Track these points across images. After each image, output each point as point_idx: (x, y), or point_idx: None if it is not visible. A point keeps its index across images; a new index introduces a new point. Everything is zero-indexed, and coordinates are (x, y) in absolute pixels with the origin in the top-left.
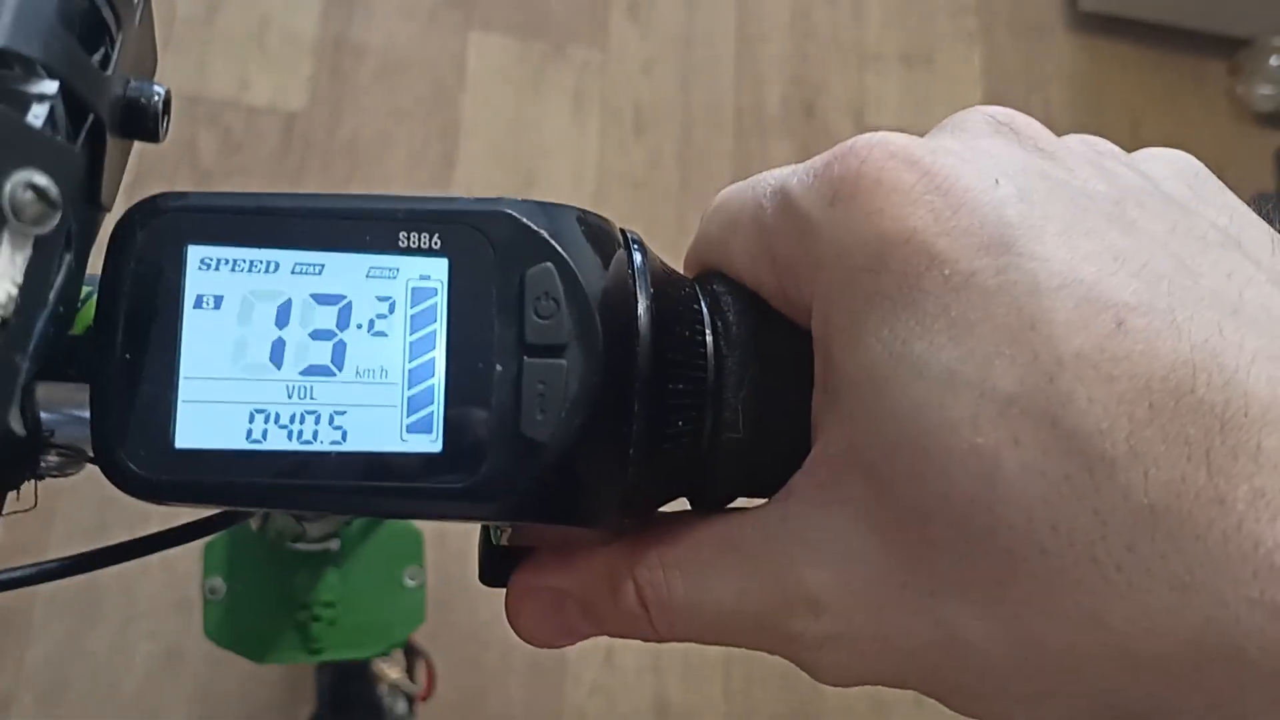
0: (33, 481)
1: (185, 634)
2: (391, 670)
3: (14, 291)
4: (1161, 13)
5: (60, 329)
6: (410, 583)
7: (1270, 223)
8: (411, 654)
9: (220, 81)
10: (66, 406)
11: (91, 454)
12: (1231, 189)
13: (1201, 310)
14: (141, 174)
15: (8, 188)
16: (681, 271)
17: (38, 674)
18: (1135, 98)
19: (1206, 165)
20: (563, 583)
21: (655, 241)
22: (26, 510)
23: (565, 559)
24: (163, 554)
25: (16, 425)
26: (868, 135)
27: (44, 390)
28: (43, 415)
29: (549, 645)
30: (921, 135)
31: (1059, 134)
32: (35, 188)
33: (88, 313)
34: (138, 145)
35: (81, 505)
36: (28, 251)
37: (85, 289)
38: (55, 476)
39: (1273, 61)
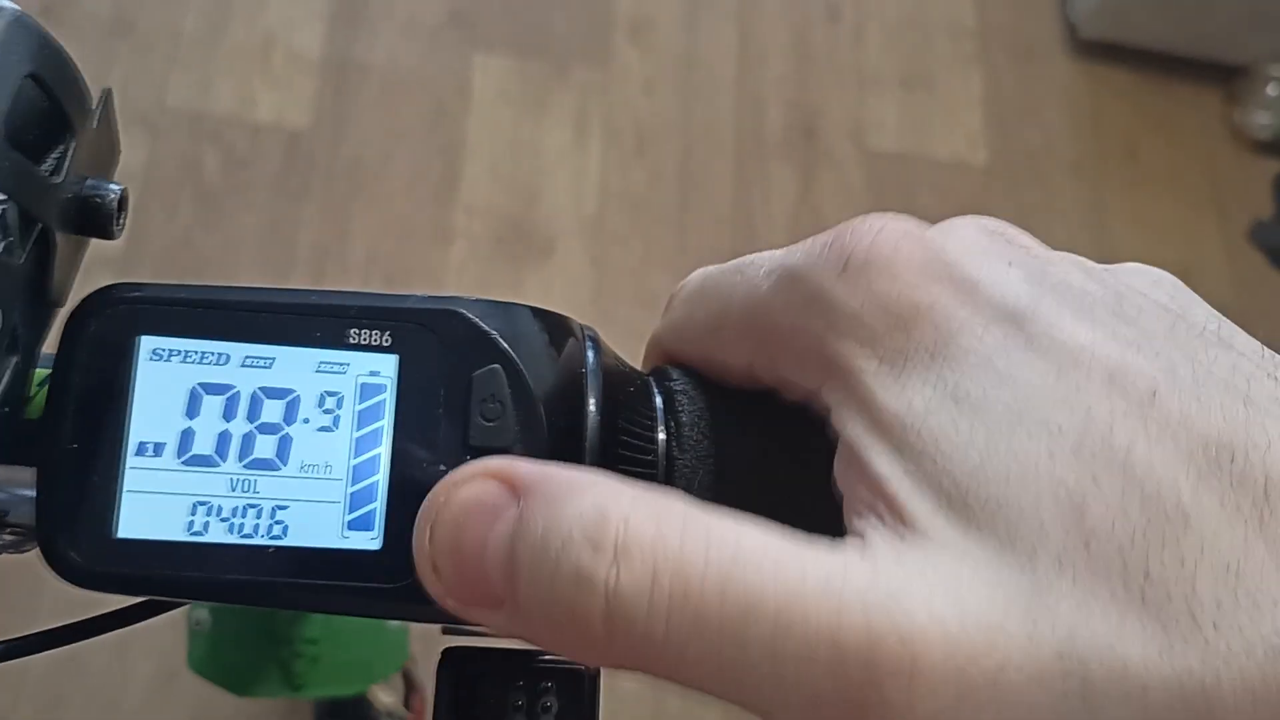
0: None
1: (183, 654)
2: (386, 696)
3: None
4: (1160, 40)
5: (11, 418)
6: (393, 622)
7: (1268, 247)
8: (409, 684)
9: (225, 99)
10: (19, 487)
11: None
12: (1229, 216)
13: (1220, 393)
14: (146, 193)
15: None
16: (646, 351)
17: (36, 691)
18: (1133, 124)
19: (1204, 192)
20: (523, 478)
21: (654, 261)
22: None
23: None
24: None
25: None
26: (872, 215)
27: None
28: None
29: (441, 595)
30: (922, 158)
31: (1060, 157)
32: None
33: (43, 396)
34: (141, 158)
35: None
36: None
37: (41, 371)
38: (9, 553)
39: (1270, 90)
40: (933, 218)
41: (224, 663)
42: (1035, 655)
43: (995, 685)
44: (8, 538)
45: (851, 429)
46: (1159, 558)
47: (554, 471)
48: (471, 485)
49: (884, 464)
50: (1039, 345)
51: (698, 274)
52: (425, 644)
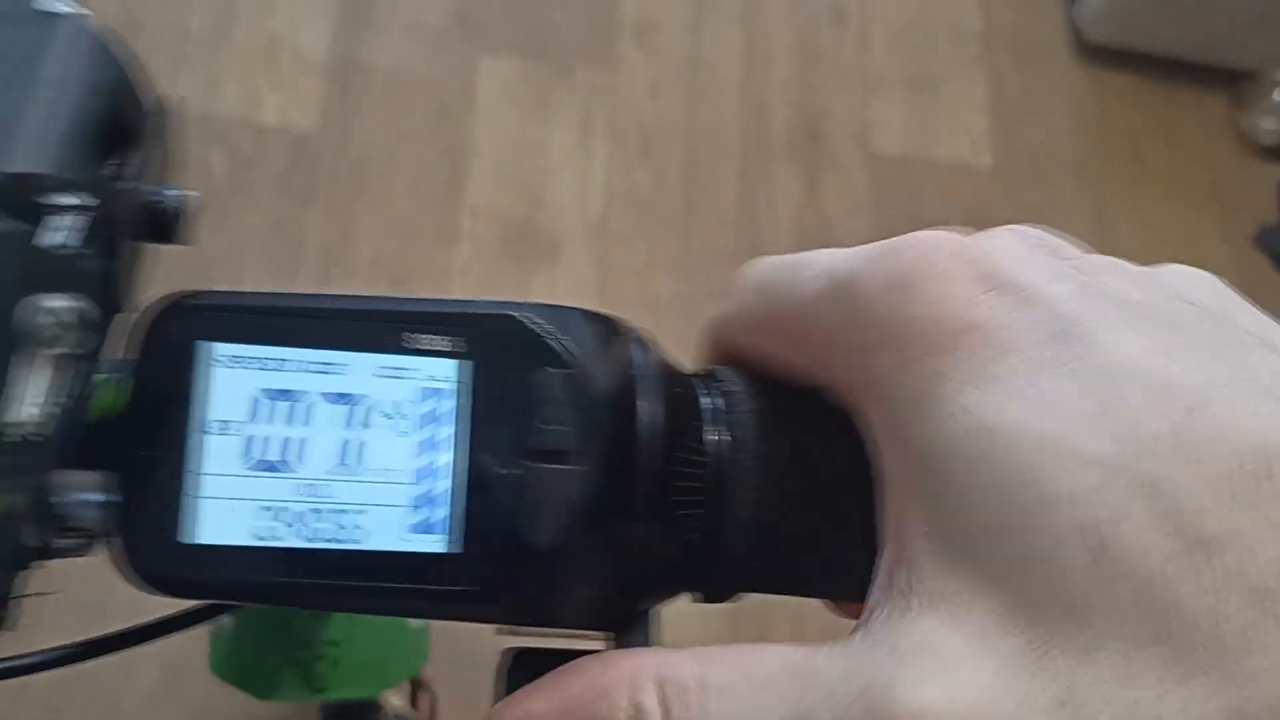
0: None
1: (185, 654)
2: (394, 696)
3: (36, 413)
4: (1166, 45)
5: (77, 422)
6: (415, 622)
7: (1274, 251)
8: (416, 684)
9: (231, 100)
10: (79, 491)
11: (102, 537)
12: (1234, 220)
13: (1262, 401)
14: None
15: (36, 314)
16: (701, 342)
17: (38, 691)
18: (1138, 128)
19: (1209, 196)
20: (560, 695)
21: (658, 262)
22: (53, 593)
23: (560, 673)
24: None
25: (42, 537)
26: (923, 231)
27: (58, 475)
28: (57, 500)
29: None
30: (927, 161)
31: (1066, 161)
32: (52, 311)
33: (101, 400)
34: None
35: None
36: (48, 371)
37: (99, 376)
38: (72, 557)
39: (1275, 95)
40: (937, 220)
41: (246, 666)
42: (1030, 716)
43: None
44: (69, 542)
45: (883, 457)
46: (1184, 591)
47: (567, 691)
48: None
49: (905, 512)
50: (1079, 368)
51: (756, 264)
52: (436, 647)
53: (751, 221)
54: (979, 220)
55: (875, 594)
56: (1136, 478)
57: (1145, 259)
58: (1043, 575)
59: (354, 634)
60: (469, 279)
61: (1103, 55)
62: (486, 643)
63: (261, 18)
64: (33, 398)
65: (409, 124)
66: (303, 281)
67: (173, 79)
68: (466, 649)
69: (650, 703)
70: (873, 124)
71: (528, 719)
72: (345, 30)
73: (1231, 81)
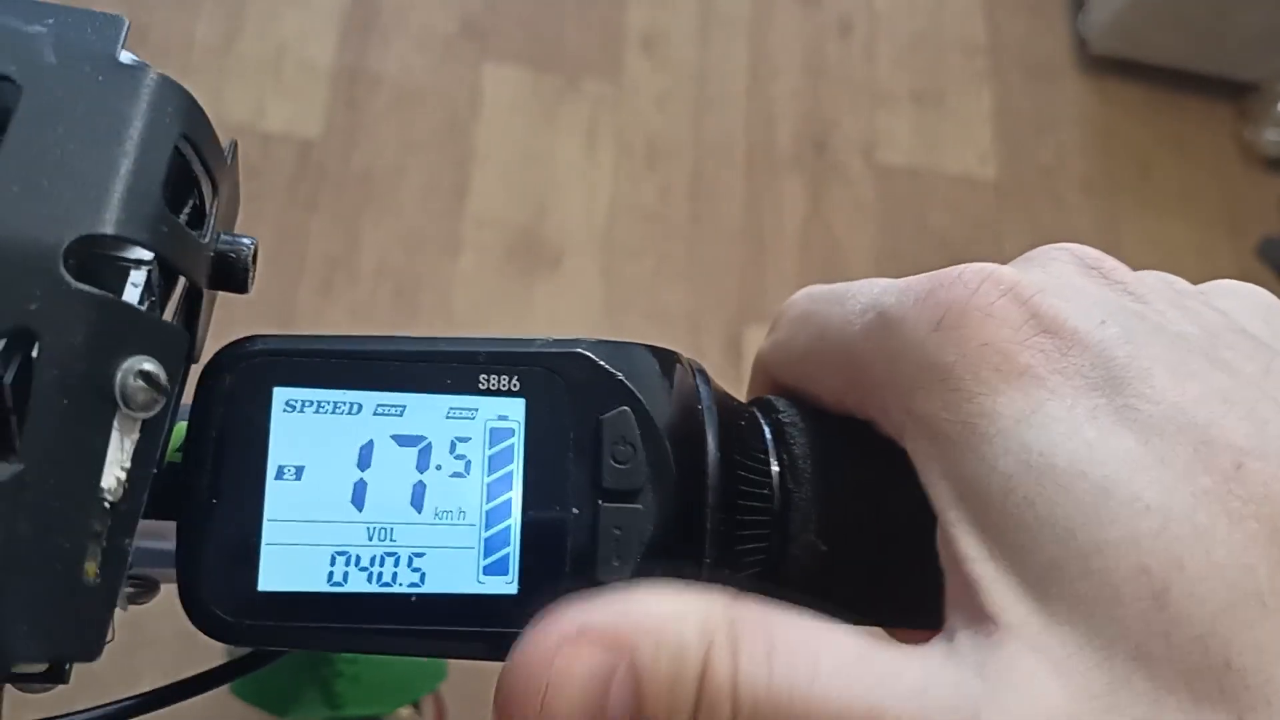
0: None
1: (188, 664)
2: (403, 709)
3: (123, 477)
4: (1172, 57)
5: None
6: None
7: (1277, 264)
8: None
9: (237, 108)
10: (141, 538)
11: (164, 584)
12: (1240, 232)
13: None
14: None
15: (119, 376)
16: (750, 377)
17: (41, 698)
18: (1145, 141)
19: (1215, 208)
20: (626, 609)
21: (664, 274)
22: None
23: (628, 590)
24: (170, 585)
25: (122, 601)
26: (975, 266)
27: None
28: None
29: None
30: (933, 174)
31: (1071, 173)
32: (145, 375)
33: (171, 448)
34: None
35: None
36: (136, 435)
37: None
38: (130, 605)
39: None
40: (943, 233)
41: (265, 685)
42: None
43: None
44: (129, 589)
45: (939, 494)
46: (1238, 645)
47: (639, 609)
48: (570, 661)
49: (967, 542)
50: (1131, 414)
51: (802, 295)
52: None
53: (757, 233)
54: (984, 233)
55: (951, 618)
56: (1191, 529)
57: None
58: (1110, 616)
59: None
60: (473, 289)
61: (1109, 67)
62: None
63: (268, 26)
64: (122, 462)
65: (415, 133)
66: (306, 289)
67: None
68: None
69: (721, 639)
70: (879, 137)
71: (587, 624)
72: (351, 39)
73: (1238, 93)
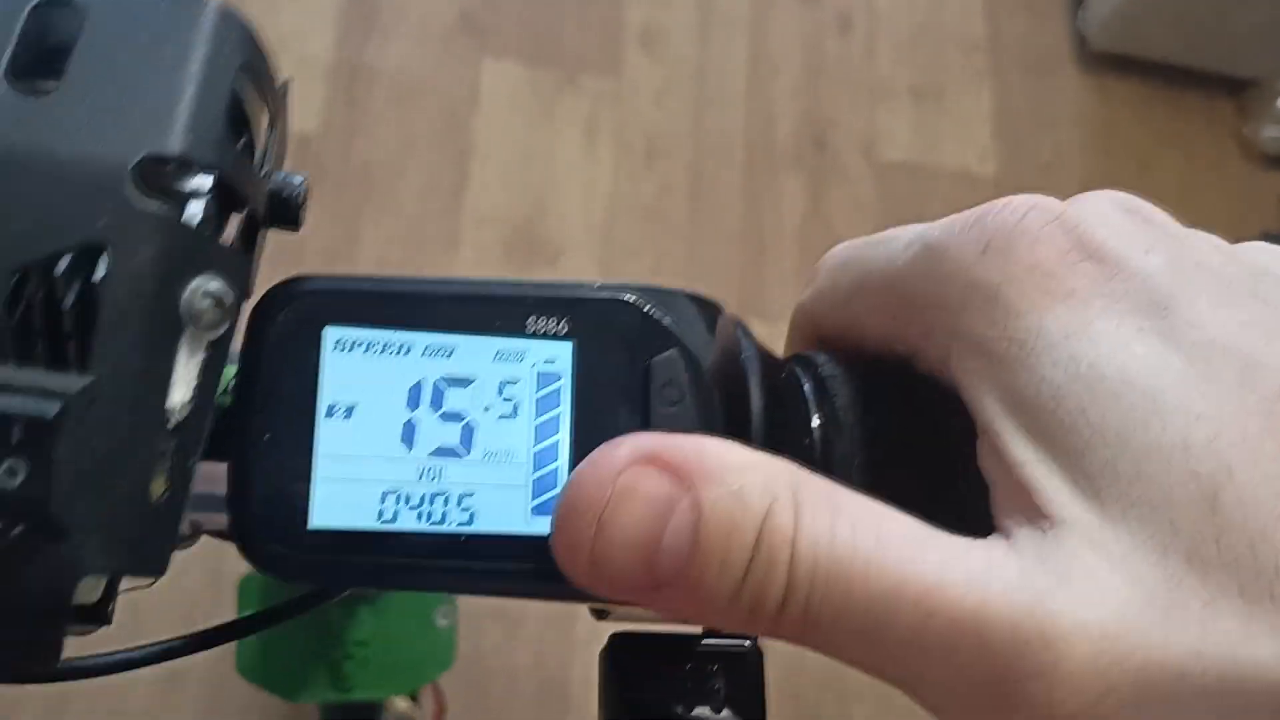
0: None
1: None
2: (400, 699)
3: (189, 396)
4: (1171, 53)
5: None
6: (442, 622)
7: None
8: None
9: None
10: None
11: (208, 530)
12: (1239, 228)
13: None
14: None
15: (186, 294)
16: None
17: (40, 690)
18: (1144, 137)
19: (1214, 205)
20: (693, 452)
21: (662, 271)
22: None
23: (696, 438)
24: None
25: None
26: (1021, 196)
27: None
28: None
29: (609, 579)
30: (933, 171)
31: (1071, 170)
32: (212, 295)
33: (221, 387)
34: None
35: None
36: (202, 355)
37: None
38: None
39: (1279, 103)
40: None
41: (273, 667)
42: (1173, 655)
43: (1136, 686)
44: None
45: (987, 409)
46: None
47: (711, 452)
48: (636, 479)
49: (1020, 448)
50: (1175, 336)
51: (841, 246)
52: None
53: (756, 229)
54: None
55: (1004, 522)
56: (1241, 439)
57: None
58: (1164, 518)
59: (382, 634)
60: None
61: (1108, 64)
62: (488, 641)
63: (266, 20)
64: (188, 381)
65: (413, 129)
66: None
67: None
68: (473, 649)
69: (785, 495)
70: (878, 133)
71: (659, 451)
72: (350, 34)
73: (1237, 89)
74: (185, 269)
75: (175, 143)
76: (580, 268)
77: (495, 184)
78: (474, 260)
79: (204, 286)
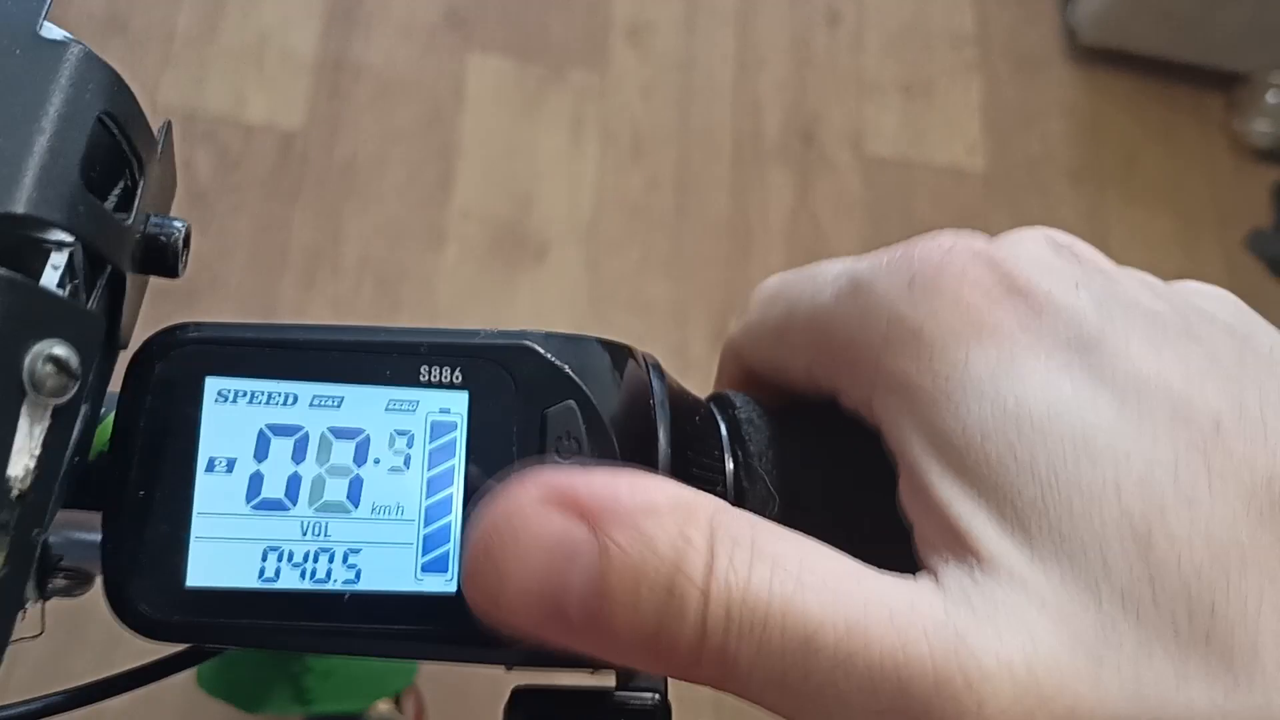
0: (40, 605)
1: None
2: (381, 702)
3: (31, 465)
4: (1160, 47)
5: (75, 463)
6: None
7: (1266, 256)
8: None
9: (218, 98)
10: (75, 530)
11: (98, 576)
12: (1228, 224)
13: None
14: None
15: (27, 361)
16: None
17: (20, 694)
18: (1133, 131)
19: (1203, 200)
20: (609, 491)
21: (649, 266)
22: (34, 637)
23: (612, 473)
24: None
25: (31, 592)
26: (948, 231)
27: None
28: (51, 539)
29: (518, 624)
30: (921, 165)
31: (1060, 164)
32: (55, 360)
33: (102, 435)
34: None
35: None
36: (46, 422)
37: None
38: (62, 598)
39: (1269, 98)
40: (930, 224)
41: (234, 680)
42: (1104, 698)
43: None
44: (61, 582)
45: (912, 449)
46: (1224, 596)
47: (625, 490)
48: (541, 521)
49: (946, 487)
50: (1104, 374)
51: (774, 277)
52: None
53: (744, 224)
54: (972, 225)
55: (930, 558)
56: (1173, 478)
57: (1139, 263)
58: (1095, 558)
59: None
60: (457, 281)
61: (1097, 58)
62: None
63: (250, 16)
64: (30, 450)
65: (398, 124)
66: (289, 282)
67: (159, 77)
68: None
69: (699, 539)
70: (866, 127)
71: (565, 488)
72: (334, 29)
73: (1226, 84)
74: (27, 332)
75: (20, 201)
76: (566, 262)
77: (480, 179)
78: (460, 256)
79: (46, 351)
